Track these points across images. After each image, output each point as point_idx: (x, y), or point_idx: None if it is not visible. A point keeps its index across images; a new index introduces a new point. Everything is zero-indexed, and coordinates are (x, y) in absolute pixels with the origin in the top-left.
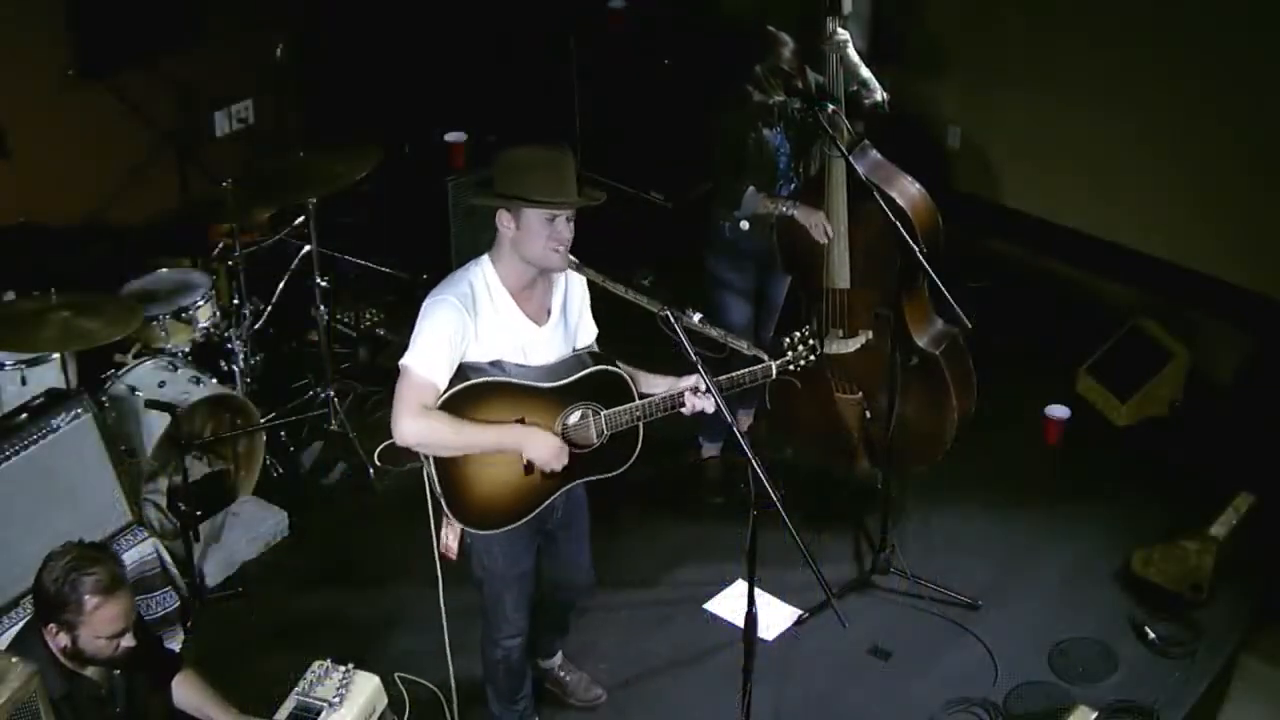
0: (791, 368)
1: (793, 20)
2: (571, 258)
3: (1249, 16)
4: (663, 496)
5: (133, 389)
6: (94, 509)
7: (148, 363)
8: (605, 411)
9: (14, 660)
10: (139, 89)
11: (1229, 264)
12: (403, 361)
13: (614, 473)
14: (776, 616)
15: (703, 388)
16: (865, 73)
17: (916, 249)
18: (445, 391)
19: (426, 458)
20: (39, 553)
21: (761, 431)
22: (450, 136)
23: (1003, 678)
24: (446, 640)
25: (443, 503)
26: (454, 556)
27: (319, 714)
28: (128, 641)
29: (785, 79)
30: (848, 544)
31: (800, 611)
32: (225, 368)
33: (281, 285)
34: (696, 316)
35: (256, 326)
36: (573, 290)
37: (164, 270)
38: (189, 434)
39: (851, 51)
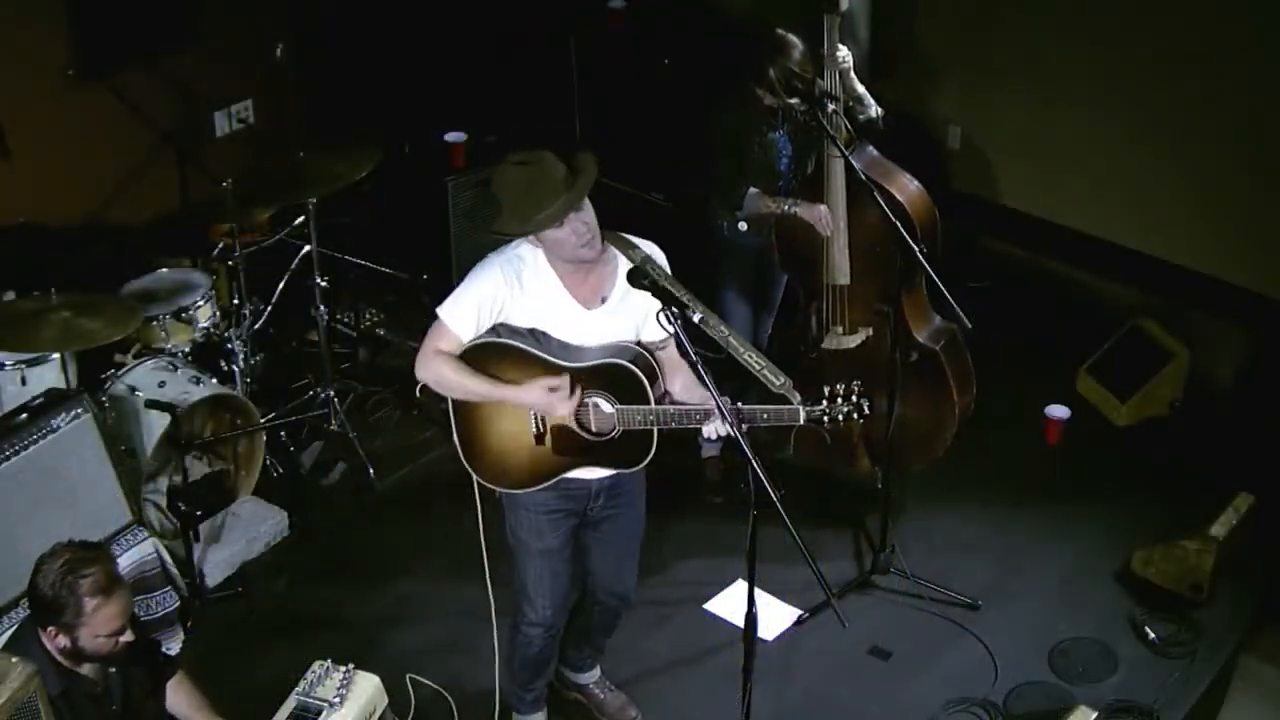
0: (825, 420)
1: (793, 20)
2: (657, 258)
3: (1249, 16)
4: (663, 496)
5: (133, 389)
6: (94, 509)
7: (148, 363)
8: (619, 407)
9: (14, 660)
10: (139, 89)
11: (1229, 264)
12: (438, 309)
13: (629, 470)
14: (776, 616)
15: (721, 419)
16: (861, 89)
17: (916, 247)
18: (471, 341)
19: (447, 405)
20: (39, 553)
21: (761, 431)
22: (450, 136)
23: (1003, 678)
24: (493, 618)
25: (457, 446)
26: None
27: (319, 714)
28: (127, 637)
29: (799, 83)
30: (848, 544)
31: (800, 611)
32: (225, 368)
33: (281, 285)
34: (696, 316)
35: (256, 326)
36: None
37: (164, 270)
38: (189, 434)
39: (850, 71)
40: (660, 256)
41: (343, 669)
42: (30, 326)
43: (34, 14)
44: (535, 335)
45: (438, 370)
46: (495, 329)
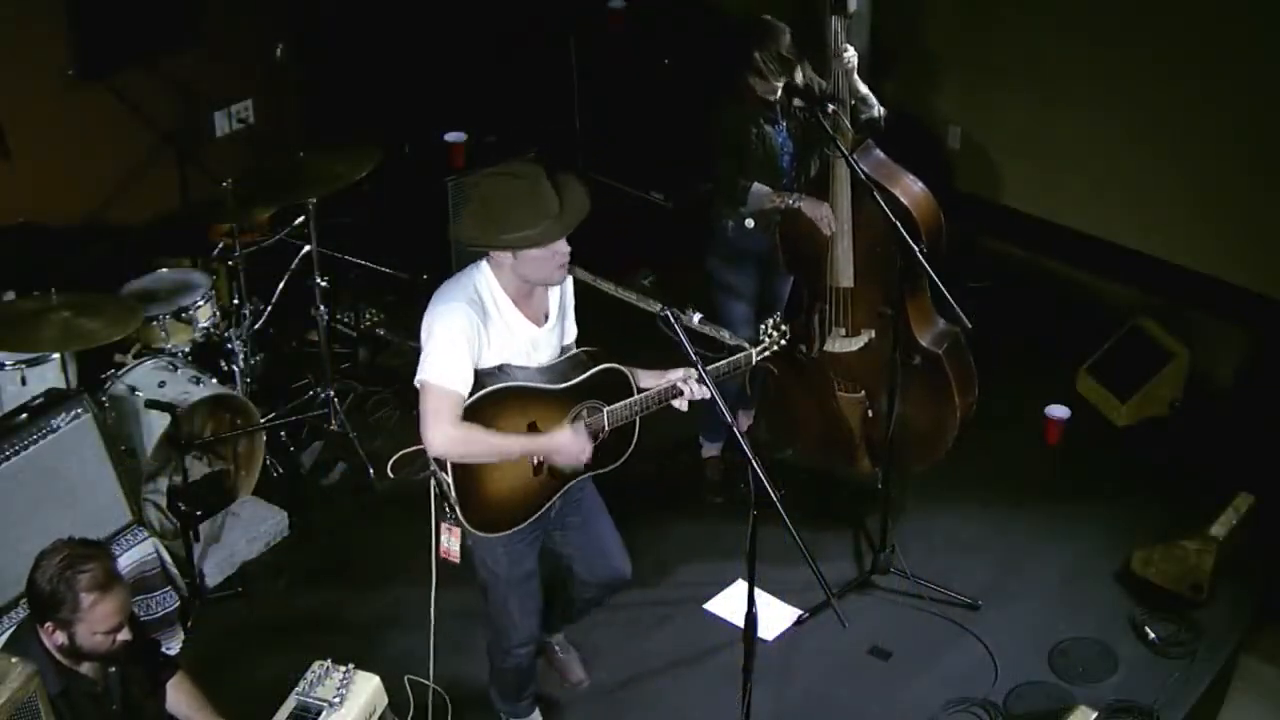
0: (766, 355)
1: (792, 19)
2: None
3: (1249, 16)
4: (663, 496)
5: (133, 389)
6: (94, 509)
7: (148, 363)
8: (608, 408)
9: (14, 660)
10: (139, 89)
11: (1229, 264)
12: (422, 378)
13: (612, 467)
14: (776, 616)
15: (695, 378)
16: (864, 89)
17: (917, 248)
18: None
19: (442, 465)
20: (39, 553)
21: (762, 431)
22: (450, 136)
23: (1003, 678)
24: (431, 644)
25: (457, 508)
26: (455, 560)
27: (319, 714)
28: (124, 636)
29: (785, 66)
30: (848, 544)
31: (800, 611)
32: (225, 368)
33: (281, 285)
34: (696, 317)
35: (256, 326)
36: (566, 290)
37: (164, 270)
38: (189, 434)
39: (854, 71)
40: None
41: (343, 669)
42: (30, 326)
43: (34, 14)
44: (505, 371)
45: (462, 441)
46: (478, 379)
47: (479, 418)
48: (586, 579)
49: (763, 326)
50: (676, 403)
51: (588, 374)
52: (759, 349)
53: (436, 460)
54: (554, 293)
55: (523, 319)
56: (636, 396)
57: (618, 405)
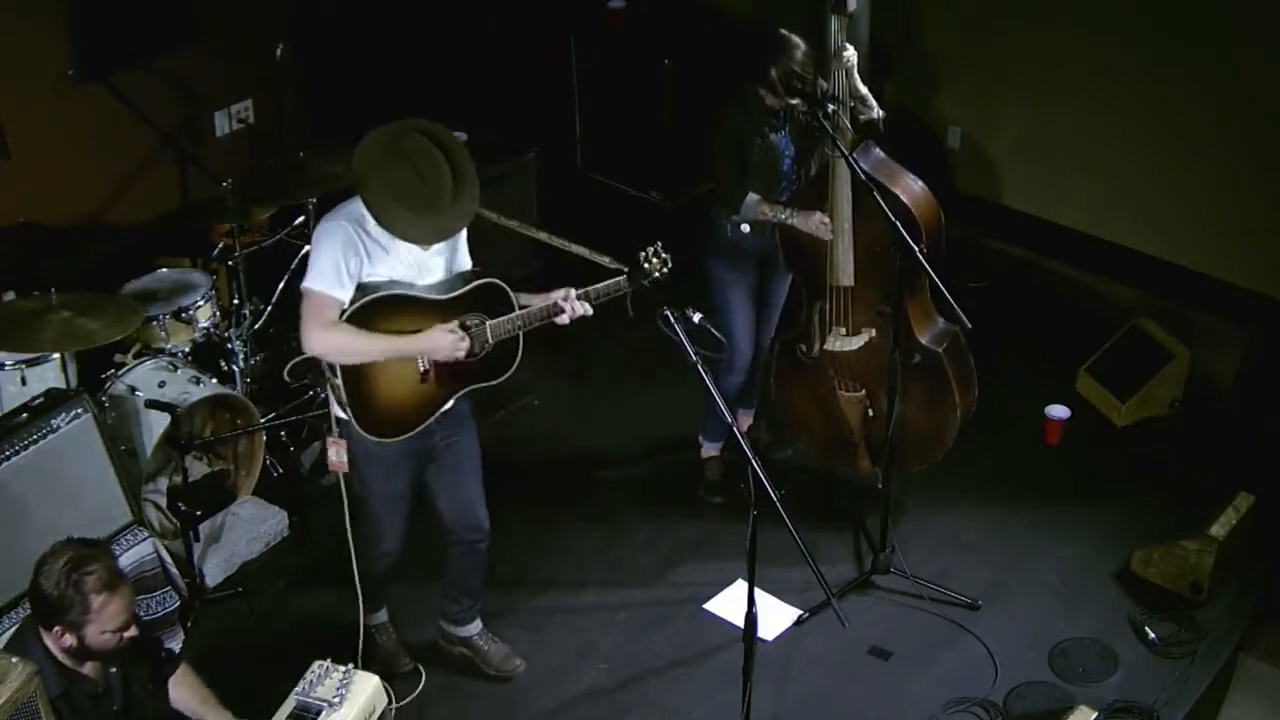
0: (645, 282)
1: (794, 21)
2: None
3: (1249, 16)
4: (663, 496)
5: (133, 389)
6: (94, 509)
7: (148, 363)
8: (491, 321)
9: (14, 660)
10: (139, 89)
11: (1229, 264)
12: (304, 285)
13: (497, 380)
14: (776, 616)
15: (574, 296)
16: (864, 90)
17: (916, 248)
18: (349, 306)
19: (335, 373)
20: (39, 553)
21: (762, 431)
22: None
23: (1003, 678)
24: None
25: (349, 413)
26: (345, 469)
27: (319, 714)
28: (131, 632)
29: (801, 83)
30: (848, 544)
31: (800, 611)
32: (225, 368)
33: (281, 285)
34: (697, 316)
35: (256, 326)
36: None
37: (164, 270)
38: (189, 434)
39: (854, 71)
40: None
41: (342, 669)
42: (30, 326)
43: (34, 14)
44: (392, 284)
45: (334, 340)
46: (361, 289)
47: (364, 324)
48: (448, 523)
49: (643, 253)
50: (559, 319)
51: (469, 286)
52: (640, 273)
53: (330, 367)
54: None
55: (393, 247)
56: (518, 311)
57: (500, 319)
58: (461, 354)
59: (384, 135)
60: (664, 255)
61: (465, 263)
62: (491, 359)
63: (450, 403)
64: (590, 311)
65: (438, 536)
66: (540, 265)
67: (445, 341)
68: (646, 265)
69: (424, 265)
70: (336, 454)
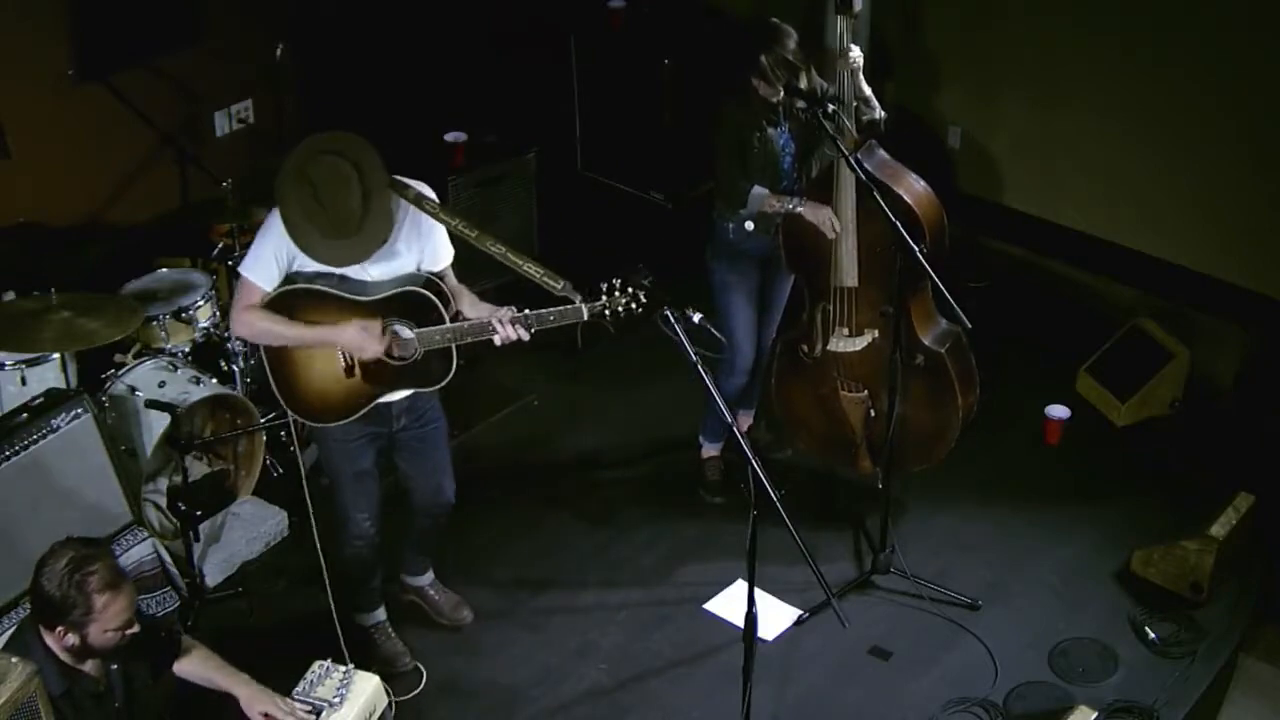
0: (606, 314)
1: (795, 20)
2: (428, 194)
3: (1249, 16)
4: (663, 496)
5: (133, 389)
6: (94, 509)
7: (148, 363)
8: (418, 330)
9: (14, 660)
10: (139, 89)
11: (1229, 264)
12: (241, 268)
13: (434, 387)
14: (776, 616)
15: (510, 318)
16: (867, 90)
17: (917, 248)
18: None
19: (262, 356)
20: (39, 553)
21: (762, 431)
22: (450, 136)
23: (1003, 678)
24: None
25: (277, 394)
26: None
27: (319, 714)
28: (134, 630)
29: (790, 71)
30: (848, 544)
31: (800, 611)
32: (225, 368)
33: None
34: (697, 316)
35: None
36: (412, 219)
37: (164, 270)
38: (189, 434)
39: (859, 72)
40: (429, 192)
41: (342, 669)
42: (30, 326)
43: (34, 14)
44: (328, 278)
45: (251, 323)
46: (292, 277)
47: (282, 311)
48: (417, 502)
49: (606, 284)
50: (494, 339)
51: (394, 292)
52: (594, 305)
53: (253, 349)
54: (402, 219)
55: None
56: (447, 325)
57: (429, 329)
58: (369, 353)
59: (294, 159)
60: (634, 291)
61: (444, 256)
62: (420, 366)
63: (396, 396)
64: (526, 337)
65: (404, 504)
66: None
67: (355, 338)
68: (605, 298)
69: (368, 263)
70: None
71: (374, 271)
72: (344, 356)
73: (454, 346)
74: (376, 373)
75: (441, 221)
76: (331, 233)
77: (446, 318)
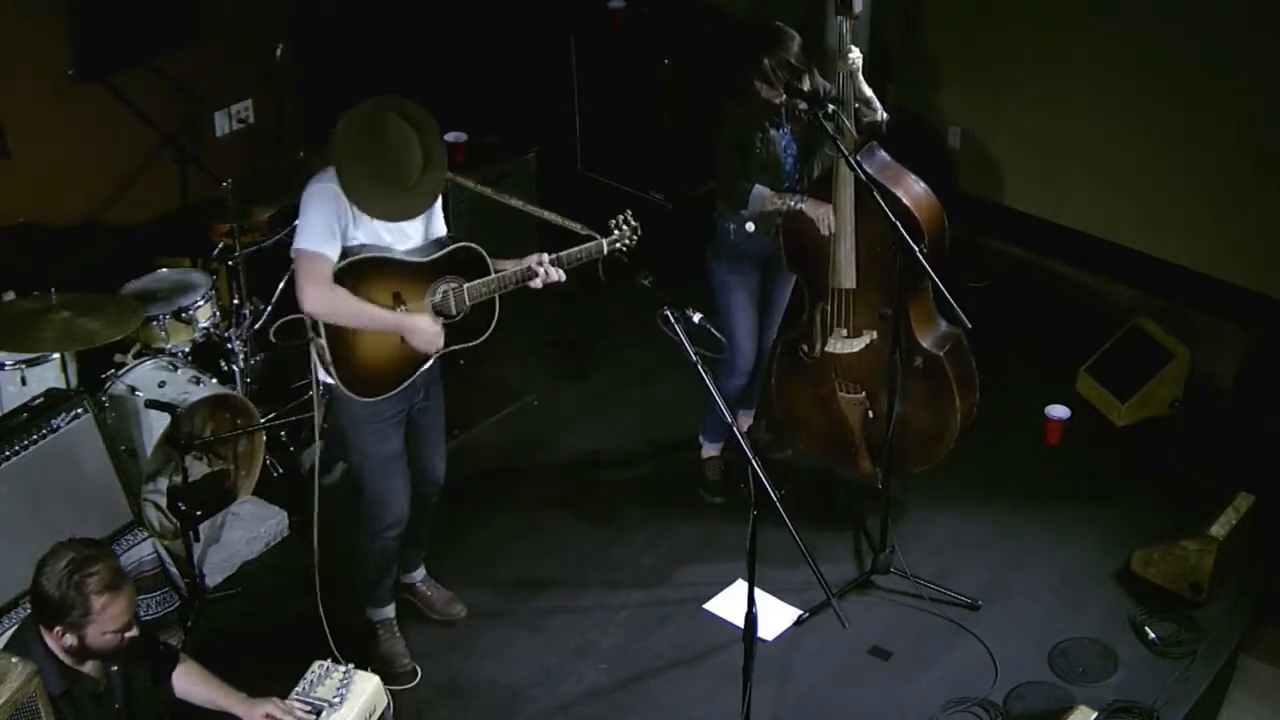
0: (619, 246)
1: (795, 20)
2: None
3: (1249, 16)
4: (663, 496)
5: (133, 389)
6: (94, 509)
7: (148, 363)
8: (468, 285)
9: (14, 660)
10: (139, 89)
11: (1229, 264)
12: (296, 246)
13: (475, 342)
14: (776, 616)
15: (549, 261)
16: (868, 92)
17: (917, 249)
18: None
19: (319, 333)
20: (39, 553)
21: (762, 431)
22: (450, 136)
23: (1003, 678)
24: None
25: (332, 372)
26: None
27: (319, 714)
28: (132, 633)
29: (792, 74)
30: (848, 544)
31: (800, 611)
32: (225, 368)
33: (281, 285)
34: (697, 316)
35: (257, 326)
36: None
37: (164, 270)
38: (189, 434)
39: (859, 73)
40: None
41: (342, 669)
42: (30, 326)
43: (34, 14)
44: (371, 250)
45: (331, 300)
46: (344, 251)
47: (345, 285)
48: (417, 475)
49: (614, 221)
50: (533, 283)
51: (445, 250)
52: (610, 239)
53: (313, 327)
54: None
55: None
56: (493, 275)
57: (476, 282)
58: (434, 349)
59: (363, 111)
60: (634, 224)
61: (441, 229)
62: (470, 321)
63: (430, 360)
64: (563, 277)
65: None
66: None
67: (429, 332)
68: (617, 232)
69: (401, 230)
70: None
71: (409, 234)
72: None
73: (497, 297)
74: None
75: (470, 189)
76: (391, 185)
77: (493, 269)
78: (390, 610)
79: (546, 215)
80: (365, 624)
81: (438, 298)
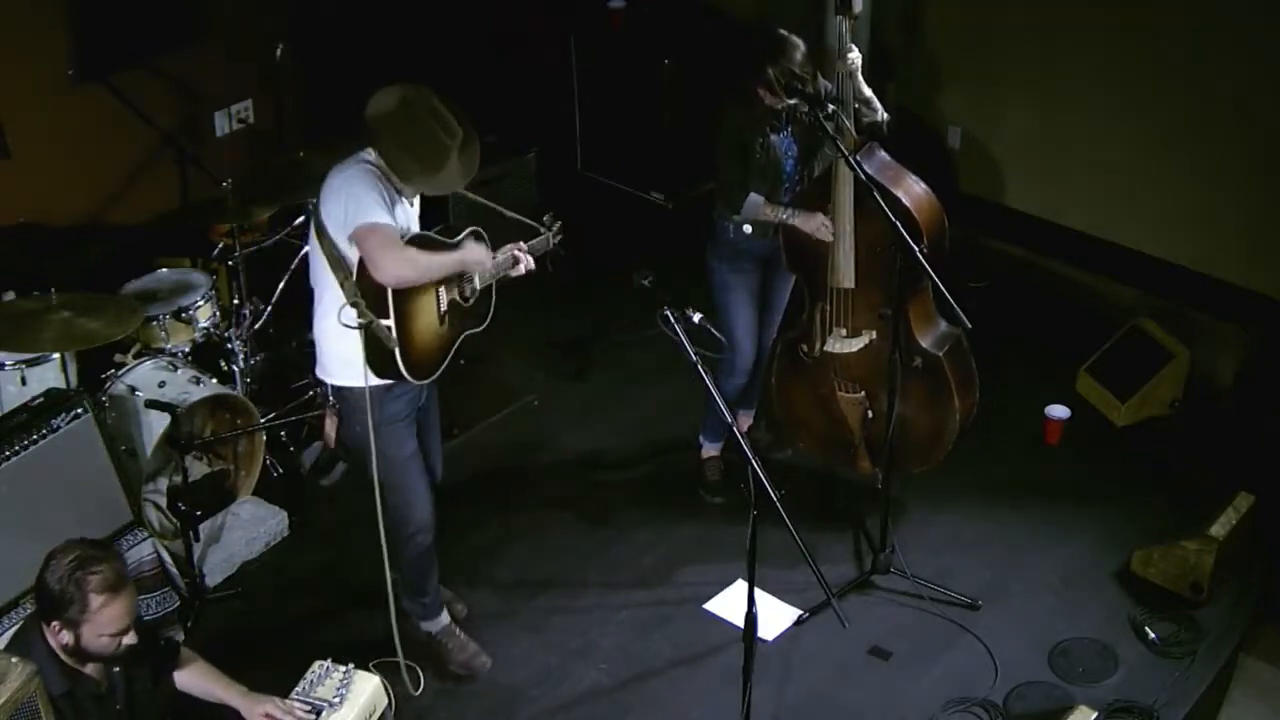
0: (556, 240)
1: (796, 21)
2: None
3: (1249, 17)
4: (663, 496)
5: (133, 389)
6: (94, 509)
7: (148, 363)
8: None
9: (14, 660)
10: (139, 89)
11: (1229, 264)
12: (361, 222)
13: (482, 327)
14: (776, 616)
15: (524, 249)
16: (868, 92)
17: (916, 249)
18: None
19: (388, 314)
20: (39, 553)
21: (762, 431)
22: None
23: (1003, 678)
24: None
25: (396, 351)
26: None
27: (319, 714)
28: (129, 639)
29: (800, 83)
30: (848, 544)
31: (800, 611)
32: (225, 368)
33: (281, 285)
34: (697, 316)
35: (256, 326)
36: None
37: (164, 270)
38: (189, 434)
39: (859, 74)
40: None
41: (342, 669)
42: (30, 326)
43: (34, 14)
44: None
45: (411, 260)
46: None
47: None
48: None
49: (547, 217)
50: (514, 271)
51: (462, 235)
52: (552, 234)
53: (381, 307)
54: None
55: (402, 198)
56: (495, 259)
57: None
58: (487, 264)
59: (398, 91)
60: (548, 221)
61: (416, 225)
62: (477, 305)
63: (457, 342)
64: (534, 266)
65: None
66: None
67: (481, 256)
68: (546, 231)
69: (410, 217)
70: (331, 428)
71: (410, 222)
72: (440, 304)
73: (492, 286)
74: (455, 316)
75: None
76: (437, 161)
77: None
78: (445, 616)
79: (503, 210)
80: (426, 638)
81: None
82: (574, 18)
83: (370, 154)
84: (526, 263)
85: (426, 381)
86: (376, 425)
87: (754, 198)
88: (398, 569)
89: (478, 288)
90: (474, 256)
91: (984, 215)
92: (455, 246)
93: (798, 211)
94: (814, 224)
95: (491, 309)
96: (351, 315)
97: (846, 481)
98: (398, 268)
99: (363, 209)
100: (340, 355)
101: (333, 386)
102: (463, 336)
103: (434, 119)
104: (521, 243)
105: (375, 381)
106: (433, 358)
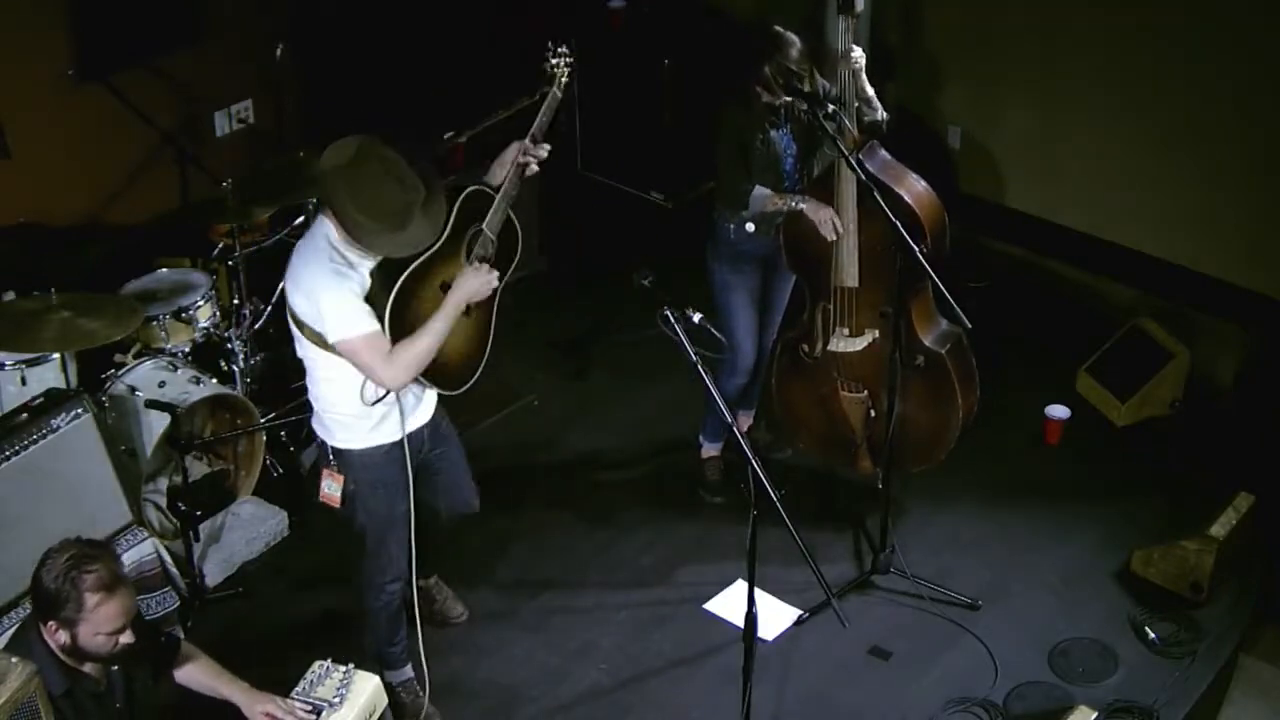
0: (565, 76)
1: (797, 20)
2: None
3: (1249, 17)
4: (663, 496)
5: (133, 389)
6: (94, 509)
7: (148, 363)
8: (485, 221)
9: (14, 660)
10: (139, 89)
11: (1229, 264)
12: (340, 338)
13: (515, 264)
14: (776, 616)
15: (526, 143)
16: (869, 91)
17: (917, 248)
18: (385, 316)
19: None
20: (39, 553)
21: (762, 431)
22: (449, 136)
23: (1003, 678)
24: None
25: (435, 391)
26: (336, 504)
27: (319, 714)
28: (127, 638)
29: (797, 80)
30: (848, 544)
31: (800, 611)
32: (225, 368)
33: (282, 285)
34: (697, 316)
35: (256, 326)
36: None
37: (164, 270)
38: (189, 434)
39: (862, 73)
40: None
41: (342, 669)
42: (30, 326)
43: (34, 14)
44: (387, 263)
45: (403, 361)
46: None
47: (405, 314)
48: (445, 519)
49: (546, 65)
50: (529, 172)
51: (455, 206)
52: (558, 82)
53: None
54: None
55: (363, 259)
56: (499, 195)
57: (490, 211)
58: (491, 285)
59: (347, 147)
60: (561, 50)
61: None
62: (505, 249)
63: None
64: (548, 148)
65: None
66: (544, 266)
67: (478, 281)
68: (555, 71)
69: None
70: (329, 487)
71: None
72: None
73: (511, 212)
74: (467, 322)
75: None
76: (399, 218)
77: (496, 191)
78: (408, 670)
79: (497, 117)
80: (386, 685)
81: (475, 250)
82: (574, 18)
83: (328, 224)
84: (538, 156)
85: (465, 388)
86: (365, 485)
87: (760, 190)
88: (366, 614)
89: (492, 238)
90: (469, 289)
91: (984, 215)
92: (444, 255)
93: (806, 198)
94: (823, 214)
95: (519, 234)
96: (372, 392)
97: (846, 481)
98: (395, 376)
99: (337, 321)
100: (339, 420)
101: (331, 447)
102: (496, 304)
103: (389, 175)
104: (522, 143)
105: (371, 444)
106: (471, 356)
